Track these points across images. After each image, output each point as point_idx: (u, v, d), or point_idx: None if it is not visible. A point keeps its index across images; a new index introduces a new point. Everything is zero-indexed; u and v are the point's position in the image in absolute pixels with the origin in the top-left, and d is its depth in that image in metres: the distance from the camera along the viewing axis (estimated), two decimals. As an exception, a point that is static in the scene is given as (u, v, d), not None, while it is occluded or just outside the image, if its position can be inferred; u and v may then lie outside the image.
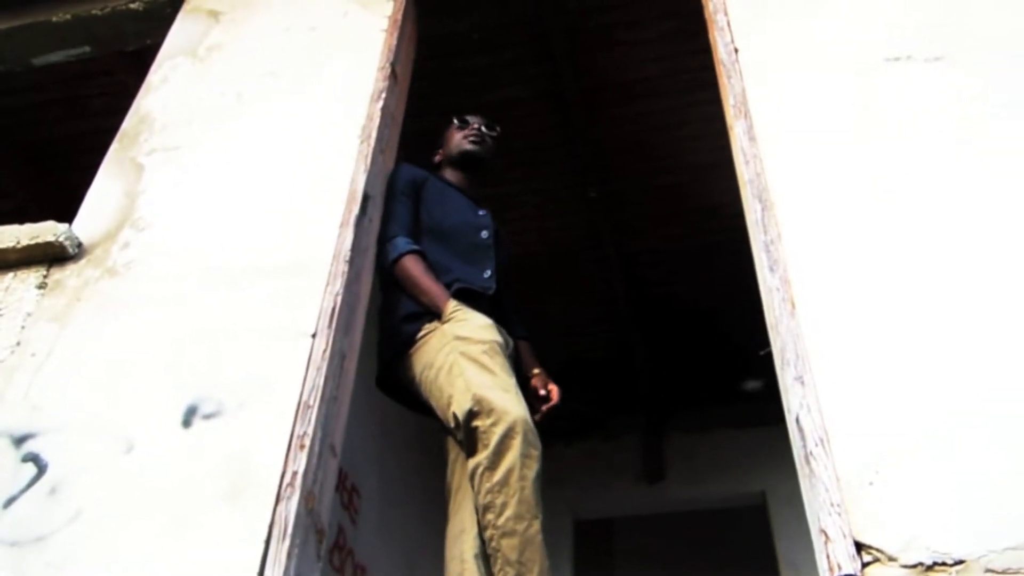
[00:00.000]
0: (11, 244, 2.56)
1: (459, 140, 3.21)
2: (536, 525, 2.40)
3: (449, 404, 2.55)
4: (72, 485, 2.03)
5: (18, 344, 2.38)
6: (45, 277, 2.55)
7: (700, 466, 6.08)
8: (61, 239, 2.56)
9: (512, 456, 2.41)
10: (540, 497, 2.45)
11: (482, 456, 2.44)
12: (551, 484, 5.88)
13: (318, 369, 2.16)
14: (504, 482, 2.40)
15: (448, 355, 2.61)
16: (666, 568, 6.92)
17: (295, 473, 1.96)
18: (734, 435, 6.02)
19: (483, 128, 3.23)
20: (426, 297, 2.74)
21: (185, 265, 2.49)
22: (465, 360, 2.57)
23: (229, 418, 2.09)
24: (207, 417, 2.10)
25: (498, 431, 2.43)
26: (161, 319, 2.36)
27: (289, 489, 1.93)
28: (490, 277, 2.87)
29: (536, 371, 2.96)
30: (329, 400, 2.17)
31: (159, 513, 1.94)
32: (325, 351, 2.21)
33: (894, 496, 1.68)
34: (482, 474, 2.43)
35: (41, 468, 2.08)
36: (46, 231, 2.57)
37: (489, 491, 2.41)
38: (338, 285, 2.36)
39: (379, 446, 4.93)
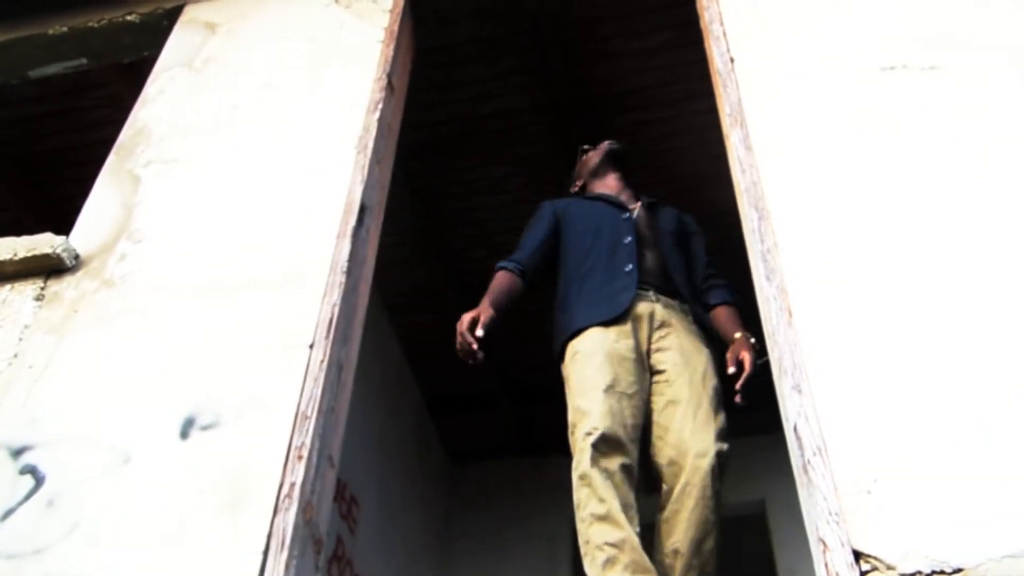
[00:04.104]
0: (8, 256, 2.56)
1: (595, 152, 3.53)
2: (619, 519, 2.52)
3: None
4: (70, 497, 2.03)
5: (15, 356, 2.38)
6: (42, 289, 2.55)
7: (699, 475, 6.06)
8: (58, 251, 2.56)
9: (584, 453, 2.57)
10: (622, 484, 2.56)
11: (574, 460, 2.62)
12: (550, 493, 5.86)
13: (315, 380, 2.16)
14: (581, 476, 2.56)
15: (566, 369, 2.86)
16: (665, 577, 6.89)
17: (293, 484, 1.96)
18: (733, 443, 6.01)
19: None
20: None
21: (182, 276, 2.49)
22: (571, 373, 2.81)
23: (226, 429, 2.09)
24: (204, 429, 2.10)
25: (578, 433, 2.64)
26: (158, 330, 2.36)
27: (287, 500, 1.93)
28: (632, 271, 2.99)
29: (737, 335, 2.90)
30: (327, 411, 2.17)
31: (157, 524, 1.94)
32: (323, 362, 2.21)
33: (892, 505, 1.68)
34: (572, 474, 2.61)
35: (39, 480, 2.08)
36: (43, 243, 2.57)
37: (576, 488, 2.57)
38: (335, 296, 2.36)
39: (378, 456, 4.93)
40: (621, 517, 2.47)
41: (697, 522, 2.58)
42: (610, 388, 2.69)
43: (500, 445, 6.33)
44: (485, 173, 4.73)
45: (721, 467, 2.69)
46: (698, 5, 3.07)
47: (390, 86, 3.03)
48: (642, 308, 2.93)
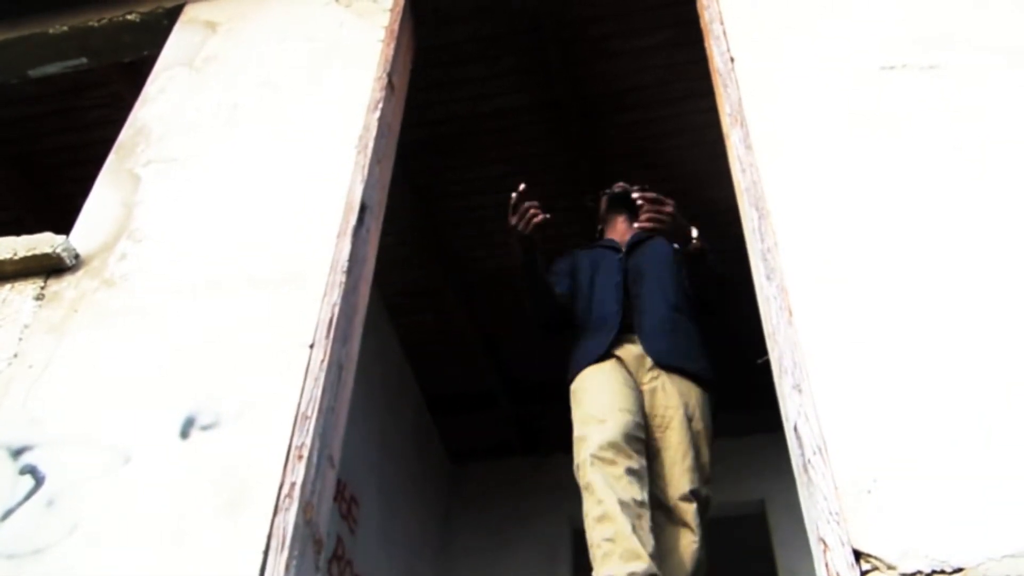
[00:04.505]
0: (8, 256, 2.56)
1: (603, 199, 3.68)
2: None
3: None
4: (70, 497, 2.03)
5: (15, 356, 2.38)
6: (42, 288, 2.54)
7: (699, 474, 6.05)
8: (58, 251, 2.55)
9: (586, 465, 2.70)
10: (633, 484, 2.67)
11: (577, 475, 2.77)
12: (550, 493, 5.86)
13: (316, 380, 2.16)
14: (585, 486, 2.69)
15: (572, 405, 2.99)
16: (665, 576, 6.88)
17: (293, 484, 1.96)
18: (732, 442, 6.00)
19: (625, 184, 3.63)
20: None
21: (182, 276, 2.49)
22: (574, 410, 2.95)
23: (227, 429, 2.09)
24: (205, 428, 2.10)
25: (579, 458, 2.77)
26: (158, 330, 2.36)
27: (287, 500, 1.93)
28: (616, 311, 3.15)
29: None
30: (327, 411, 2.17)
31: (157, 525, 1.93)
32: (323, 362, 2.21)
33: (892, 504, 1.68)
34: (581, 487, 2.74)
35: (38, 480, 2.08)
36: (43, 243, 2.57)
37: (584, 500, 2.69)
38: (336, 295, 2.36)
39: (378, 456, 4.94)
40: (616, 511, 2.56)
41: (688, 559, 2.74)
42: (610, 409, 2.82)
43: (500, 445, 6.33)
44: (485, 172, 4.73)
45: (705, 509, 2.87)
46: (698, 4, 3.06)
47: (390, 85, 3.03)
48: (635, 350, 3.07)
